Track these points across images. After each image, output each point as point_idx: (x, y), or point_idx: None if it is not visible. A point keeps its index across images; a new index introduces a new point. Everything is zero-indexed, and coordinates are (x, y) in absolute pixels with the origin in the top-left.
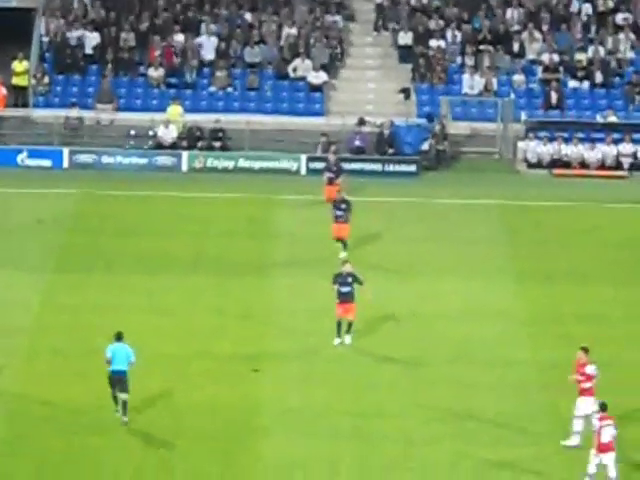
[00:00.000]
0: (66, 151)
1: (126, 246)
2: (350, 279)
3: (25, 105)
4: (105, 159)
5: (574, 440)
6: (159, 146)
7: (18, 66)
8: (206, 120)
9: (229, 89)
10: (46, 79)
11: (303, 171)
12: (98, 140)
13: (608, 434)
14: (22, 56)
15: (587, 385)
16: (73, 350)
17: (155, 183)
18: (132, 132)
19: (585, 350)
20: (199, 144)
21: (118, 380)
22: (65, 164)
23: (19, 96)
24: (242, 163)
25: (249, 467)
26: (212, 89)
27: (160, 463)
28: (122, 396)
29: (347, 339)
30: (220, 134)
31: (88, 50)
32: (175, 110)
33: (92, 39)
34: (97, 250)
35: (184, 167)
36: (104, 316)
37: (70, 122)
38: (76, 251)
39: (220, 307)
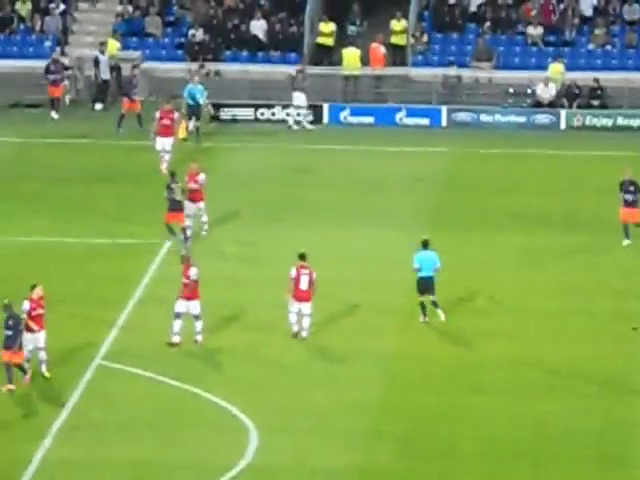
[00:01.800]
0: (444, 109)
1: (502, 204)
2: None
3: (404, 64)
4: (483, 117)
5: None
6: (538, 104)
7: (397, 25)
8: (584, 78)
9: (608, 47)
10: (425, 38)
11: None
12: (476, 98)
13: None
14: (400, 15)
15: None
16: (450, 308)
17: (533, 141)
18: (510, 90)
19: None
20: (577, 102)
21: (426, 285)
22: (443, 122)
23: (397, 55)
24: (620, 121)
25: (626, 426)
26: (591, 47)
27: (536, 422)
28: (431, 297)
29: None
30: (599, 92)
31: (472, 8)
32: (557, 68)
33: None
34: (474, 208)
35: (562, 125)
36: (480, 274)
37: (448, 80)
38: (453, 209)
39: (597, 264)
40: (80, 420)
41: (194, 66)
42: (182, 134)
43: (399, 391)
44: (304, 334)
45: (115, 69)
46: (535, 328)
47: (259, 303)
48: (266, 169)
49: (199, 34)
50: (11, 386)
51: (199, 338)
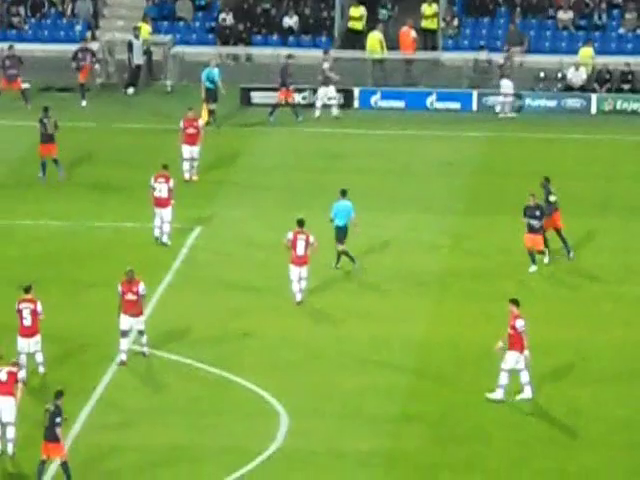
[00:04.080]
0: (475, 94)
1: (533, 189)
2: None
3: (434, 48)
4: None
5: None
6: (568, 88)
7: (428, 9)
8: (615, 62)
9: (638, 31)
10: (455, 22)
11: None
12: None
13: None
14: None
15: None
16: (481, 293)
17: (564, 125)
18: (541, 74)
19: (515, 303)
20: (608, 86)
21: (339, 234)
22: (474, 107)
23: (428, 39)
24: None
25: None
26: (621, 31)
27: (567, 408)
28: (340, 247)
29: None
30: (629, 76)
31: None
32: (587, 52)
33: None
34: (505, 193)
35: (593, 109)
36: (511, 258)
37: (479, 65)
38: (484, 194)
39: (626, 248)
40: (111, 405)
41: (224, 50)
42: (204, 118)
43: (428, 375)
44: (299, 297)
45: (147, 53)
46: (571, 313)
47: (288, 288)
48: (296, 154)
49: (229, 18)
50: None
51: (146, 350)
